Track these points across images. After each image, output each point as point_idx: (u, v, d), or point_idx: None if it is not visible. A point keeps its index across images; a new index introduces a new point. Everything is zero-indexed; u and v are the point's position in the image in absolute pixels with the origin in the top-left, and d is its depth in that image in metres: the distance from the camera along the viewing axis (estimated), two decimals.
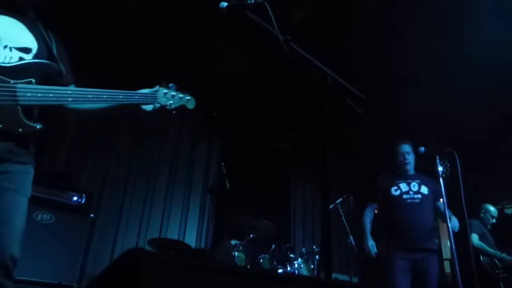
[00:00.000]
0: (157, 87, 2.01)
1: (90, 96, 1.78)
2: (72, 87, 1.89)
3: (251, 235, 4.38)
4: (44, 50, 1.84)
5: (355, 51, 5.00)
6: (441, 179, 3.39)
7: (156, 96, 1.99)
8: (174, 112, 2.05)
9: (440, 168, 3.43)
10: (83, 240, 3.64)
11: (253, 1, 1.78)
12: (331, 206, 4.74)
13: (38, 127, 1.65)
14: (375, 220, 4.05)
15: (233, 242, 4.44)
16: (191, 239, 5.44)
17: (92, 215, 3.82)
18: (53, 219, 3.41)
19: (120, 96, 1.86)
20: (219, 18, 1.87)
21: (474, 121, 5.85)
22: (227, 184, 4.45)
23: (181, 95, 2.09)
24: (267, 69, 5.33)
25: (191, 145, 6.05)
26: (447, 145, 3.52)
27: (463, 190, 3.23)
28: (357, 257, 4.94)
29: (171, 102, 2.03)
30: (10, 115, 1.57)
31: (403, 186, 3.86)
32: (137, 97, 1.93)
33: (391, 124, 5.77)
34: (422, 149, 3.66)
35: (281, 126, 6.73)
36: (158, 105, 1.99)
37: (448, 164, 3.50)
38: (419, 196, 3.78)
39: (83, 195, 3.75)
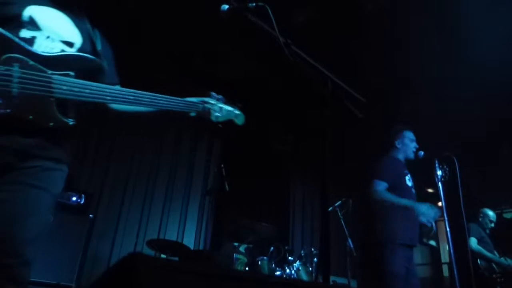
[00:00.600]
0: (205, 98, 1.90)
1: (130, 97, 1.68)
2: (116, 87, 1.80)
3: (250, 238, 4.38)
4: (88, 46, 1.76)
5: (355, 54, 5.01)
6: (440, 184, 3.38)
7: (199, 108, 1.87)
8: (220, 125, 1.93)
9: (439, 172, 3.41)
10: (82, 241, 3.65)
11: (254, 4, 1.79)
12: (329, 209, 4.74)
13: (70, 123, 1.54)
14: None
15: (241, 248, 4.41)
16: (189, 241, 5.44)
17: (91, 215, 3.82)
18: (52, 219, 3.40)
19: (162, 101, 1.75)
20: (220, 20, 1.88)
21: (473, 125, 5.86)
22: (226, 186, 4.45)
23: (230, 109, 1.96)
24: (267, 71, 5.34)
25: (190, 146, 6.06)
26: (446, 149, 3.51)
27: (462, 195, 3.23)
28: (355, 260, 4.93)
29: (218, 114, 1.91)
30: (42, 107, 1.47)
31: (409, 177, 3.61)
32: (181, 104, 1.82)
33: (390, 127, 5.76)
34: (422, 153, 3.65)
35: (280, 128, 6.73)
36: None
37: (447, 168, 3.49)
38: (414, 190, 3.63)
39: (82, 195, 3.76)
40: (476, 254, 5.23)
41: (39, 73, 1.47)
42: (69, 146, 1.67)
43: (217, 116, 1.90)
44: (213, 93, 1.94)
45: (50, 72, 1.49)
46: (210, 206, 5.73)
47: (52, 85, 1.48)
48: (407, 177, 3.56)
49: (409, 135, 3.76)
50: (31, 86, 1.44)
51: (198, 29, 4.77)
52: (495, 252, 5.38)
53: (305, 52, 1.72)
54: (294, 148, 6.99)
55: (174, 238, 5.26)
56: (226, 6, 1.85)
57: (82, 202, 3.72)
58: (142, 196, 5.31)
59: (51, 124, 1.48)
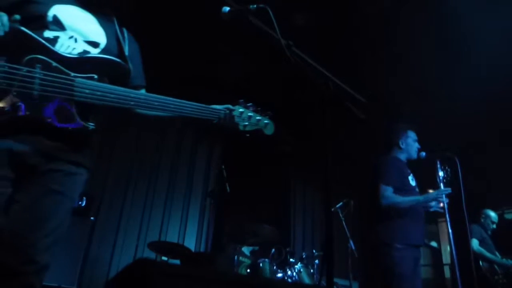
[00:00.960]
0: (231, 106, 1.83)
1: (155, 103, 1.63)
2: (141, 92, 1.78)
3: (252, 240, 4.37)
4: (113, 47, 1.73)
5: (357, 57, 5.02)
6: (441, 184, 3.38)
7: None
8: (247, 135, 1.86)
9: (441, 173, 3.41)
10: (83, 243, 3.65)
11: (255, 6, 1.79)
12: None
13: (90, 127, 1.51)
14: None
15: (245, 250, 4.40)
16: (190, 243, 5.43)
17: (92, 218, 3.82)
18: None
19: (188, 109, 1.70)
20: (221, 22, 1.88)
21: (474, 125, 5.86)
22: (227, 187, 4.45)
23: (259, 117, 1.87)
24: (268, 72, 5.34)
25: (191, 147, 6.06)
26: (448, 150, 3.51)
27: (464, 195, 3.23)
28: (357, 262, 4.93)
29: (246, 123, 1.83)
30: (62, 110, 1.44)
31: (412, 177, 3.58)
32: (207, 112, 1.76)
33: (393, 126, 5.77)
34: (424, 154, 3.64)
35: (282, 129, 6.73)
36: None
37: (449, 169, 3.48)
38: (417, 189, 3.60)
39: (84, 198, 3.75)
40: (477, 256, 5.22)
41: (61, 75, 1.45)
42: (89, 150, 1.64)
43: (244, 125, 1.83)
44: (241, 101, 1.87)
45: (73, 74, 1.47)
46: (211, 207, 5.73)
47: (74, 88, 1.45)
48: (410, 177, 3.54)
49: (412, 135, 3.73)
50: (52, 89, 1.42)
51: (198, 31, 4.78)
52: (497, 253, 5.37)
53: (307, 53, 1.72)
54: (295, 149, 6.99)
55: (175, 240, 5.25)
56: (227, 8, 1.86)
57: (83, 204, 3.72)
58: (143, 197, 5.31)
59: (70, 128, 1.46)
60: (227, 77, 5.54)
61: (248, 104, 1.87)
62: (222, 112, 1.78)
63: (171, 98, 1.67)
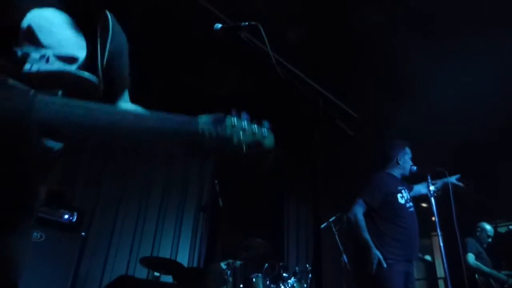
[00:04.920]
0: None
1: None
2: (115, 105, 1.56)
3: (245, 255, 4.34)
4: (93, 60, 1.46)
5: (347, 73, 5.08)
6: (432, 199, 3.40)
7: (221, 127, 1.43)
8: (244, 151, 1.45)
9: (431, 188, 3.44)
10: (74, 259, 3.59)
11: (247, 23, 1.82)
12: (324, 225, 4.73)
13: (56, 148, 1.32)
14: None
15: (222, 264, 4.36)
16: (183, 258, 5.38)
17: (83, 233, 3.78)
18: (44, 237, 3.37)
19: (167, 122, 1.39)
20: (213, 39, 1.91)
21: (468, 138, 5.91)
22: (220, 202, 4.44)
23: (256, 129, 1.48)
24: (261, 88, 5.38)
25: (184, 162, 6.04)
26: (438, 163, 3.55)
27: (454, 210, 3.25)
28: (350, 276, 4.90)
29: (241, 135, 1.44)
30: (20, 133, 1.22)
31: (404, 194, 3.63)
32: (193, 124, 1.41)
33: (387, 142, 5.82)
34: (414, 168, 3.69)
35: (275, 144, 6.74)
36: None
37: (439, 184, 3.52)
38: (412, 204, 3.65)
39: (75, 213, 3.71)
40: (474, 270, 5.20)
41: (20, 93, 1.23)
42: (51, 176, 1.42)
43: (239, 138, 1.43)
44: (233, 111, 1.48)
45: (32, 91, 1.24)
46: (204, 222, 5.69)
47: (32, 106, 1.22)
48: (400, 195, 3.57)
49: (409, 152, 3.81)
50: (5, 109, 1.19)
51: (189, 46, 4.82)
52: (492, 267, 5.36)
53: (298, 69, 1.74)
54: (288, 164, 7.00)
55: (167, 256, 5.20)
56: (219, 25, 1.89)
57: (74, 220, 3.68)
58: (136, 212, 5.26)
59: (34, 151, 1.26)
60: (217, 93, 5.57)
61: (241, 114, 1.49)
62: (200, 127, 1.37)
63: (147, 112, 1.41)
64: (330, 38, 4.69)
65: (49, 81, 1.30)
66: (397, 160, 3.76)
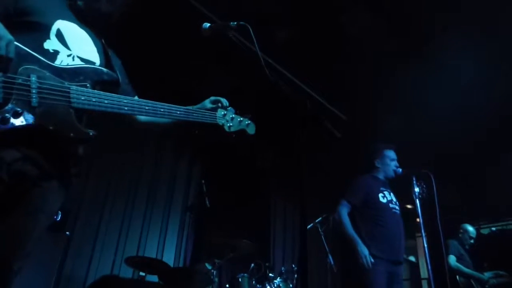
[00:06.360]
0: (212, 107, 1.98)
1: (146, 107, 1.70)
2: (134, 98, 1.83)
3: (231, 255, 4.33)
4: (106, 65, 1.78)
5: (335, 73, 5.11)
6: (417, 200, 3.45)
7: (215, 116, 1.92)
8: (234, 135, 1.98)
9: (416, 189, 3.49)
10: (57, 259, 3.54)
11: (235, 23, 1.82)
12: (310, 225, 4.75)
13: (91, 133, 1.55)
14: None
15: (207, 264, 4.35)
16: (169, 258, 5.34)
17: (67, 233, 3.73)
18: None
19: (178, 112, 1.79)
20: (202, 38, 1.90)
21: (452, 141, 5.99)
22: (207, 202, 4.42)
23: (240, 119, 1.99)
24: (248, 88, 5.38)
25: (171, 161, 6.00)
26: (422, 165, 3.60)
27: (438, 211, 3.29)
28: (336, 277, 4.94)
29: (231, 124, 1.95)
30: (62, 117, 1.46)
31: (387, 195, 3.71)
32: (195, 114, 1.86)
33: (371, 145, 5.88)
34: (400, 170, 3.74)
35: (262, 145, 6.75)
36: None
37: (424, 185, 3.56)
38: (397, 207, 3.73)
39: (59, 212, 3.66)
40: (455, 272, 5.27)
41: (56, 84, 1.47)
42: (83, 158, 1.68)
43: (229, 126, 1.95)
44: (223, 100, 1.99)
45: (67, 83, 1.51)
46: (191, 222, 5.66)
47: (70, 95, 1.49)
48: (381, 195, 3.67)
49: (389, 154, 3.88)
50: (50, 96, 1.44)
51: (178, 46, 4.79)
52: (473, 269, 5.43)
53: (286, 70, 1.75)
54: (275, 164, 7.01)
55: (153, 255, 5.16)
56: (207, 24, 1.88)
57: (58, 219, 3.62)
58: (121, 211, 5.20)
59: (72, 134, 1.49)
60: (205, 92, 5.54)
61: (228, 108, 1.99)
62: (216, 116, 1.92)
63: (162, 103, 1.75)
64: (318, 39, 4.71)
65: (76, 74, 1.57)
66: (375, 163, 3.88)
